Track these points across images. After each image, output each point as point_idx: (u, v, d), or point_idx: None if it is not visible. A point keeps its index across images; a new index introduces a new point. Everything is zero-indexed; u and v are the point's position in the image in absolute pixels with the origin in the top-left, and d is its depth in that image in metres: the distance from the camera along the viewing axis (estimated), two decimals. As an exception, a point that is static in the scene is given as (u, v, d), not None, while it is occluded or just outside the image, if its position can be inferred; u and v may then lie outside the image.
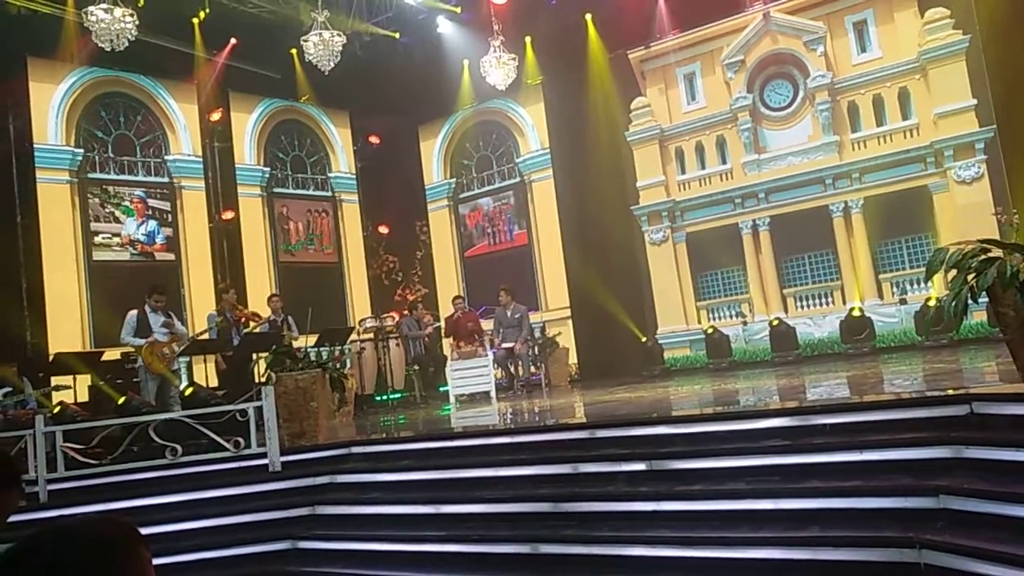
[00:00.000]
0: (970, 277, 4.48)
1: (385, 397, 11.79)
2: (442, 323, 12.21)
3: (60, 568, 1.13)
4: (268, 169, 13.84)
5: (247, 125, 13.59)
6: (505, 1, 12.12)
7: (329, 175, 14.74)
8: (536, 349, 11.53)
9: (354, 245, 14.76)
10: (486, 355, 10.55)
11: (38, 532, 1.18)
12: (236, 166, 13.31)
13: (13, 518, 6.10)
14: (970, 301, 4.40)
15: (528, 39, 13.09)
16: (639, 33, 12.66)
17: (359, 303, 14.39)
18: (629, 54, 12.94)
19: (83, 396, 8.89)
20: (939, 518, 3.76)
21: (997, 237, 5.31)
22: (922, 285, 10.83)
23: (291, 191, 14.22)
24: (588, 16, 12.86)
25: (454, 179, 14.99)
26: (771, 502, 4.30)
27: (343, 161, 14.88)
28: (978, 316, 9.49)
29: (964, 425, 4.14)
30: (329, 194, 14.70)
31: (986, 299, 4.60)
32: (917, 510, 3.86)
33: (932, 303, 10.09)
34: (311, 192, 14.52)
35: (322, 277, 14.10)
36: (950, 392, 4.62)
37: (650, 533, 4.45)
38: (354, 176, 15.03)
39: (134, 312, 8.29)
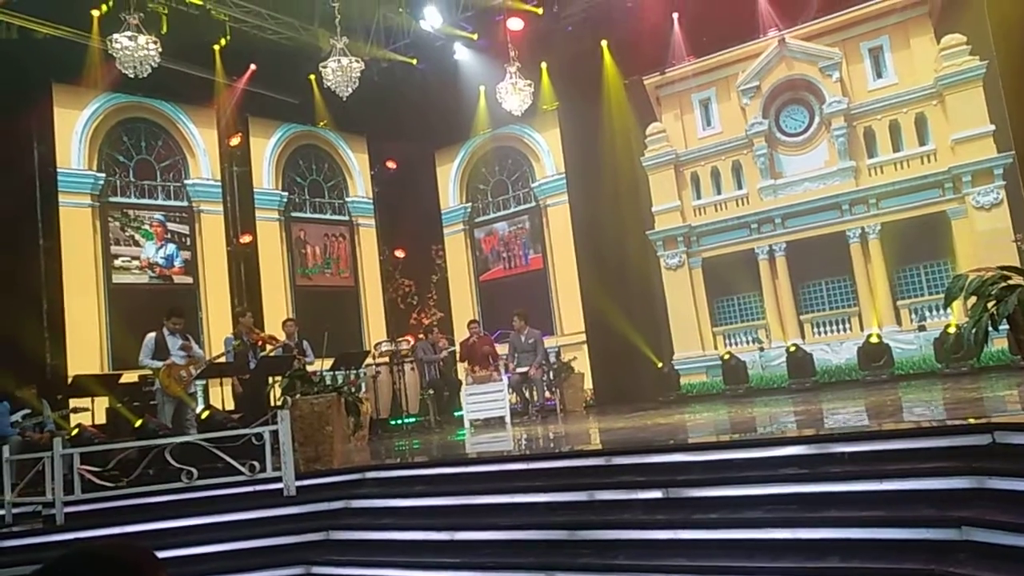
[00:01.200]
0: (990, 304, 4.46)
1: (400, 421, 11.78)
2: (457, 347, 12.21)
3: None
4: (286, 193, 13.99)
5: (265, 150, 13.76)
6: (521, 28, 12.28)
7: (346, 199, 14.86)
8: (551, 374, 11.50)
9: (370, 269, 14.84)
10: (501, 380, 10.53)
11: (63, 555, 1.19)
12: (254, 190, 13.46)
13: (32, 540, 6.09)
14: (990, 328, 4.37)
15: (544, 65, 13.21)
16: (654, 59, 12.73)
17: (375, 327, 14.44)
18: (644, 80, 13.02)
19: (101, 418, 8.94)
20: (962, 550, 3.69)
21: (1017, 264, 5.28)
22: (941, 312, 10.74)
23: (308, 215, 14.35)
24: (604, 42, 12.97)
25: (470, 203, 15.07)
26: (789, 531, 4.24)
27: (360, 185, 15.01)
28: (999, 343, 9.39)
29: (986, 455, 4.07)
30: (346, 218, 14.82)
31: (1007, 326, 4.57)
32: (939, 541, 3.79)
33: (952, 330, 9.98)
34: (328, 216, 14.64)
35: (338, 301, 14.17)
36: (971, 421, 4.54)
37: (667, 561, 4.40)
38: (371, 200, 15.15)
39: (152, 335, 8.36)
